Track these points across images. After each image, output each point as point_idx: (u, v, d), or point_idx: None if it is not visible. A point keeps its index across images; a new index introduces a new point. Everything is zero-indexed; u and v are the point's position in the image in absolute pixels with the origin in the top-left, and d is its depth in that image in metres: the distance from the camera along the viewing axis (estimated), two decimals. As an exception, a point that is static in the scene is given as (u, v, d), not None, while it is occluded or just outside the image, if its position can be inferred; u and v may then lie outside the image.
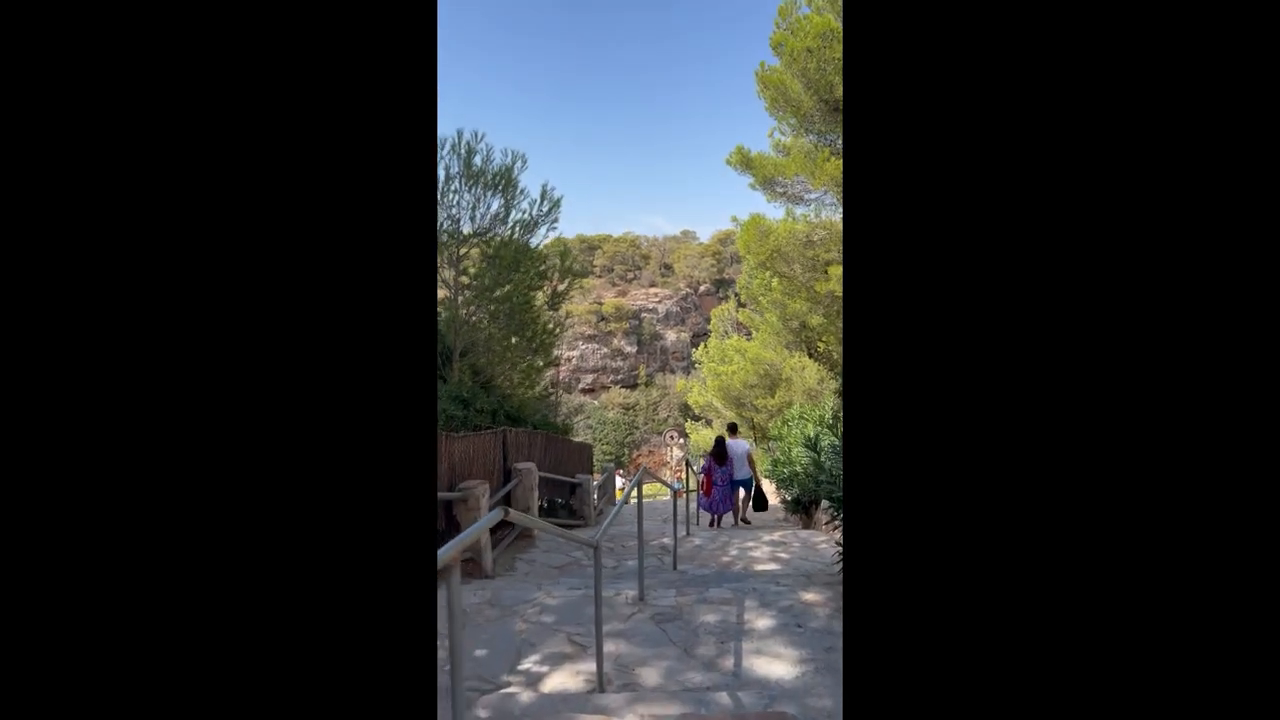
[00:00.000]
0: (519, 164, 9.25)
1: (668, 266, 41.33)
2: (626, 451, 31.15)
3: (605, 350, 36.14)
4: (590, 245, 42.27)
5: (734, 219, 9.88)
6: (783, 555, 5.42)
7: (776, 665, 2.75)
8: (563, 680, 2.67)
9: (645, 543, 4.19)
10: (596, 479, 11.13)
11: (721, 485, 7.73)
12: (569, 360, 35.82)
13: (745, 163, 8.96)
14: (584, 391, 34.97)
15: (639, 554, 3.68)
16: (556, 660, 2.85)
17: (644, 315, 37.27)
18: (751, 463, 7.98)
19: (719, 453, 7.68)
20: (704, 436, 13.94)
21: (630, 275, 41.32)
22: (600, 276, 40.74)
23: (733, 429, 8.56)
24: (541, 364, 10.63)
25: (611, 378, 35.78)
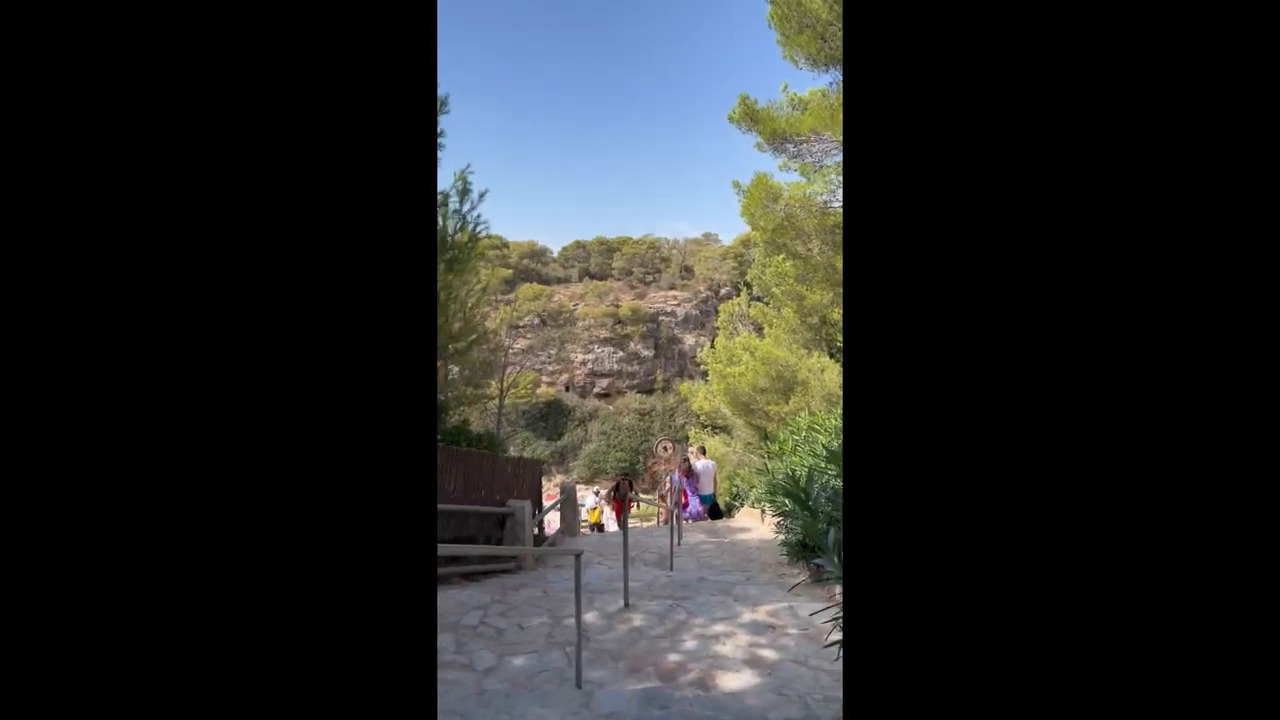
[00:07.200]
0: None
1: (688, 269, 40.31)
2: (641, 459, 30.92)
3: (621, 354, 35.84)
4: (609, 248, 41.87)
5: (736, 184, 7.93)
6: (767, 654, 3.23)
7: None
8: None
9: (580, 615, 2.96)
10: (551, 499, 9.55)
11: (692, 495, 9.31)
12: (584, 364, 35.65)
13: (750, 116, 6.96)
14: (599, 396, 34.75)
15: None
16: None
17: (662, 319, 36.63)
18: (715, 481, 9.65)
19: (689, 471, 9.38)
20: (712, 445, 12.75)
21: (649, 278, 40.80)
22: (619, 279, 40.31)
23: (702, 450, 10.41)
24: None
25: (628, 382, 35.45)
